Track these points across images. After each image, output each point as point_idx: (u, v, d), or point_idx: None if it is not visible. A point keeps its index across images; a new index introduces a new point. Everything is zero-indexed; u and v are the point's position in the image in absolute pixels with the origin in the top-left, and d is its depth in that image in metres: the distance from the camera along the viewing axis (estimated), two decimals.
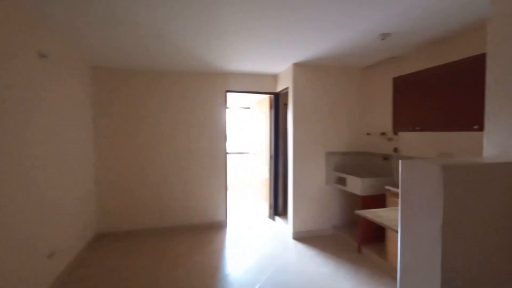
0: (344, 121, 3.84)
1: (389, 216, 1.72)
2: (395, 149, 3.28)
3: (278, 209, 4.39)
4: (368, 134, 3.78)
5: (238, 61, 3.46)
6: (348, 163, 3.87)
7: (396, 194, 2.58)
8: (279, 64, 3.61)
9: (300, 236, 3.67)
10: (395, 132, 3.25)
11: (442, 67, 2.36)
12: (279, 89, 4.16)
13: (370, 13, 2.10)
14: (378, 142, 3.60)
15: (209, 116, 4.02)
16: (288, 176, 3.80)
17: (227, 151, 4.18)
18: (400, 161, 1.36)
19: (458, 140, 2.55)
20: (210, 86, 4.02)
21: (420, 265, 1.28)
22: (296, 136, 3.63)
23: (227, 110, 4.12)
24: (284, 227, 3.96)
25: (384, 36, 2.54)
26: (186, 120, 3.94)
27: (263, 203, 4.68)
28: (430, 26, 2.34)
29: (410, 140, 3.10)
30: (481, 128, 2.02)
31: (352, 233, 3.56)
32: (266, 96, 4.44)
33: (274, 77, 4.27)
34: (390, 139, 3.39)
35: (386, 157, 3.44)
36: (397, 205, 2.53)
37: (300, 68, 3.61)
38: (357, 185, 3.19)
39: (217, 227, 4.05)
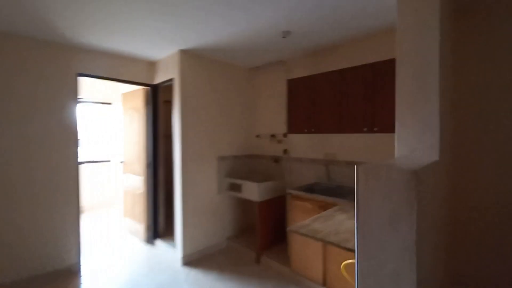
0: (235, 122, 3.58)
1: (327, 227, 1.54)
2: (285, 151, 3.35)
3: (158, 230, 3.54)
4: (257, 136, 3.70)
5: (100, 33, 2.43)
6: (240, 167, 3.64)
7: (298, 197, 2.54)
8: (161, 47, 2.86)
9: (192, 259, 3.05)
10: (286, 134, 3.30)
11: (334, 74, 2.52)
12: (158, 80, 3.35)
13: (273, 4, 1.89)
14: (268, 144, 3.58)
15: (50, 111, 2.64)
16: (175, 188, 3.09)
17: (80, 160, 2.92)
18: (356, 167, 1.15)
19: (343, 141, 2.83)
20: (52, 64, 2.65)
21: (388, 284, 1.10)
22: (185, 139, 3.00)
23: (79, 103, 2.87)
24: (170, 252, 3.20)
25: (286, 34, 2.44)
26: (8, 113, 2.40)
27: (137, 225, 3.66)
28: (333, 28, 2.40)
29: (298, 141, 3.22)
30: (370, 130, 2.25)
31: (247, 241, 3.33)
32: (139, 89, 3.49)
33: (152, 65, 3.41)
34: (279, 141, 3.43)
35: (276, 159, 3.46)
36: (302, 209, 2.50)
37: (189, 57, 3.01)
38: (253, 191, 2.98)
39: (65, 276, 2.72)
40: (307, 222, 1.63)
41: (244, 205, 3.72)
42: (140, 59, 3.28)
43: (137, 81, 3.29)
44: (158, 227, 3.54)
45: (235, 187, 3.25)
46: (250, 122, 3.78)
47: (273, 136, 3.49)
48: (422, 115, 1.57)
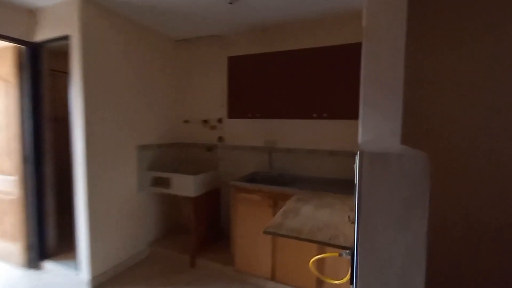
0: (158, 104, 2.95)
1: (303, 223, 1.34)
2: (220, 138, 3.00)
3: (47, 248, 2.58)
4: (186, 122, 3.19)
5: None
6: (165, 158, 3.05)
7: (243, 189, 2.29)
8: None
9: (106, 280, 2.36)
10: (221, 119, 2.95)
11: (284, 54, 2.33)
12: (42, 36, 2.33)
13: None
14: (199, 131, 3.13)
15: None
16: (75, 189, 2.27)
17: None
18: (358, 154, 0.99)
19: (285, 127, 2.72)
20: None
21: (395, 282, 1.01)
22: (90, 123, 2.21)
23: None
24: (68, 276, 2.38)
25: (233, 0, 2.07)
26: None
27: (8, 245, 2.56)
28: (289, 4, 2.17)
29: (235, 128, 2.94)
30: (319, 116, 2.20)
31: (177, 244, 2.86)
32: (6, 47, 2.35)
33: (30, 13, 2.33)
34: (213, 128, 3.05)
35: (210, 148, 3.07)
36: (249, 202, 2.26)
37: (96, 9, 2.19)
38: (188, 185, 2.53)
39: None
40: (278, 220, 1.41)
41: (170, 202, 3.18)
42: (9, 2, 2.17)
43: (2, 34, 2.18)
44: (46, 244, 2.57)
45: (162, 182, 2.69)
46: (177, 104, 3.21)
47: (205, 121, 3.07)
48: (386, 100, 1.56)
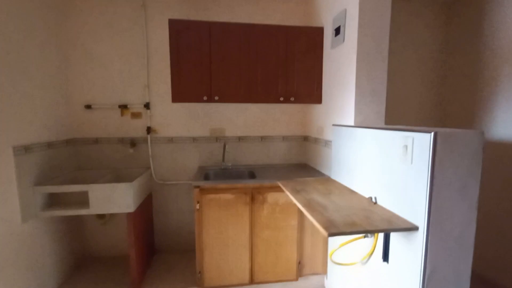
0: (42, 82, 1.86)
1: (335, 213, 1.21)
2: (149, 129, 2.30)
3: None
4: (88, 107, 2.21)
5: None
6: (62, 163, 2.01)
7: (211, 189, 1.86)
8: None
9: None
10: (149, 104, 2.26)
11: (237, 27, 2.01)
12: None
13: None
14: (113, 120, 2.26)
15: None
16: None
17: None
18: (433, 135, 1.02)
19: (231, 113, 2.42)
20: None
21: (455, 247, 1.10)
22: None
23: None
24: None
25: None
26: None
27: None
28: None
29: (170, 115, 2.34)
30: (286, 100, 2.10)
31: (96, 280, 2.01)
32: None
33: None
34: (136, 115, 2.28)
35: (134, 143, 2.29)
36: (219, 203, 1.85)
37: None
38: (123, 198, 1.79)
39: None
40: (318, 216, 1.23)
41: (77, 227, 2.17)
42: None
43: None
44: None
45: (68, 200, 1.77)
46: (73, 82, 2.16)
47: (124, 107, 2.24)
48: (374, 85, 1.68)
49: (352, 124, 1.68)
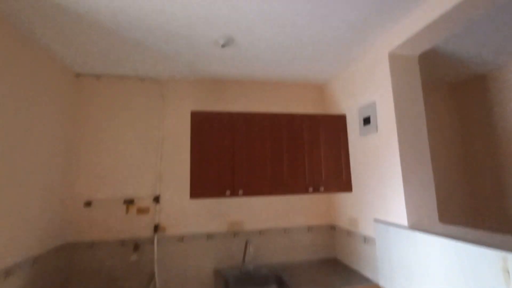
0: (34, 171, 1.61)
1: None
2: (156, 228, 1.97)
3: None
4: (88, 204, 1.91)
5: None
6: (50, 278, 1.59)
7: None
8: None
9: None
10: (158, 197, 2.00)
11: (270, 117, 1.95)
12: None
13: None
14: (115, 219, 1.94)
15: None
16: None
17: None
18: None
19: (250, 204, 2.17)
20: None
21: None
22: None
23: None
24: None
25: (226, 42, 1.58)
26: None
27: None
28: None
29: (182, 210, 2.05)
30: (316, 191, 1.91)
31: None
32: None
33: None
34: (143, 211, 1.99)
35: (137, 245, 1.93)
36: None
37: None
38: None
39: None
40: None
41: None
42: None
43: None
44: None
45: None
46: (72, 173, 1.91)
47: (130, 202, 1.96)
48: (421, 175, 1.54)
49: (405, 223, 1.46)
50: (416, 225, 1.45)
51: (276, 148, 1.91)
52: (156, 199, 2.00)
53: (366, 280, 1.74)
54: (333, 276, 1.84)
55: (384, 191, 1.64)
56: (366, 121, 1.80)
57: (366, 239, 1.80)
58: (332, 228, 2.27)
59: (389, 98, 1.59)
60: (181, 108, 2.17)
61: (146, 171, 2.03)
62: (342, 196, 2.13)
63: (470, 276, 1.07)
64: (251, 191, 1.81)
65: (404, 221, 1.46)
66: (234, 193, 1.78)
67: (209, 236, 2.06)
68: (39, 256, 1.54)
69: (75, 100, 2.00)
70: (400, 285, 1.45)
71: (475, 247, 1.05)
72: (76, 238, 1.87)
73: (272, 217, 2.19)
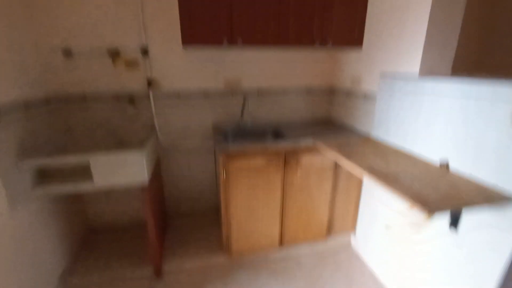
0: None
1: (416, 181, 1.02)
2: (150, 82, 1.86)
3: None
4: (67, 53, 1.69)
5: None
6: (48, 127, 1.59)
7: (237, 154, 1.58)
8: None
9: None
10: (147, 50, 1.79)
11: None
12: None
13: None
14: (102, 70, 1.78)
15: None
16: None
17: None
18: None
19: (248, 61, 2.01)
20: None
21: None
22: None
23: None
24: None
25: None
26: None
27: None
28: None
29: (175, 64, 1.89)
30: (324, 42, 1.72)
31: (103, 260, 1.82)
32: None
33: None
34: (132, 64, 1.81)
35: (132, 99, 1.87)
36: (248, 171, 1.60)
37: None
38: (135, 168, 1.47)
39: None
40: (404, 189, 1.02)
41: (75, 202, 1.87)
42: None
43: None
44: None
45: (67, 174, 1.43)
46: (41, 16, 1.59)
47: (116, 54, 1.75)
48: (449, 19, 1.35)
49: (416, 71, 1.38)
50: (428, 73, 1.37)
51: None
52: (145, 52, 1.79)
53: (359, 133, 1.85)
54: (327, 130, 1.94)
55: (397, 42, 1.47)
56: None
57: (366, 97, 1.78)
58: (331, 91, 2.23)
59: None
60: None
61: (124, 10, 1.71)
62: (346, 55, 1.97)
63: (476, 116, 1.07)
64: (252, 40, 1.60)
65: (416, 68, 1.38)
66: (232, 41, 1.58)
67: (206, 94, 2.00)
68: (29, 102, 1.47)
69: None
70: (392, 135, 1.53)
71: (487, 86, 1.01)
72: (66, 90, 1.76)
73: (271, 76, 2.08)
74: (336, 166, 1.78)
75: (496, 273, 1.02)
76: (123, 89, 1.84)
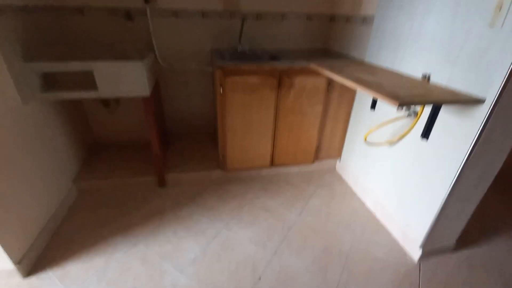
0: None
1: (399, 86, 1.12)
2: None
3: None
4: None
5: None
6: (48, 36, 1.62)
7: (235, 71, 1.65)
8: None
9: (34, 256, 1.43)
10: None
11: None
12: None
13: None
14: None
15: None
16: None
17: None
18: None
19: None
20: None
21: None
22: None
23: None
24: None
25: None
26: None
27: None
28: None
29: None
30: None
31: (112, 167, 2.02)
32: None
33: None
34: None
35: (130, 15, 1.86)
36: (244, 87, 1.67)
37: None
38: (136, 79, 1.55)
39: None
40: (381, 90, 1.12)
41: (81, 116, 1.99)
42: None
43: None
44: None
45: (71, 82, 1.51)
46: None
47: None
48: None
49: None
50: None
51: None
52: None
53: (354, 59, 1.89)
54: (323, 56, 1.98)
55: None
56: None
57: (365, 19, 1.78)
58: (331, 18, 2.19)
59: None
60: None
61: None
62: None
63: (461, 19, 1.12)
64: None
65: None
66: None
67: (205, 14, 1.97)
68: (26, 6, 1.47)
69: None
70: (383, 57, 1.59)
71: None
72: (60, 1, 1.73)
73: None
74: (328, 90, 1.87)
75: (456, 167, 1.19)
76: (117, 3, 1.81)
